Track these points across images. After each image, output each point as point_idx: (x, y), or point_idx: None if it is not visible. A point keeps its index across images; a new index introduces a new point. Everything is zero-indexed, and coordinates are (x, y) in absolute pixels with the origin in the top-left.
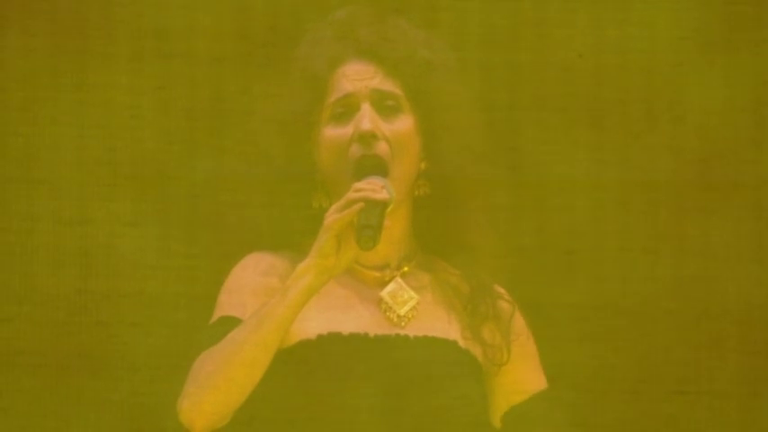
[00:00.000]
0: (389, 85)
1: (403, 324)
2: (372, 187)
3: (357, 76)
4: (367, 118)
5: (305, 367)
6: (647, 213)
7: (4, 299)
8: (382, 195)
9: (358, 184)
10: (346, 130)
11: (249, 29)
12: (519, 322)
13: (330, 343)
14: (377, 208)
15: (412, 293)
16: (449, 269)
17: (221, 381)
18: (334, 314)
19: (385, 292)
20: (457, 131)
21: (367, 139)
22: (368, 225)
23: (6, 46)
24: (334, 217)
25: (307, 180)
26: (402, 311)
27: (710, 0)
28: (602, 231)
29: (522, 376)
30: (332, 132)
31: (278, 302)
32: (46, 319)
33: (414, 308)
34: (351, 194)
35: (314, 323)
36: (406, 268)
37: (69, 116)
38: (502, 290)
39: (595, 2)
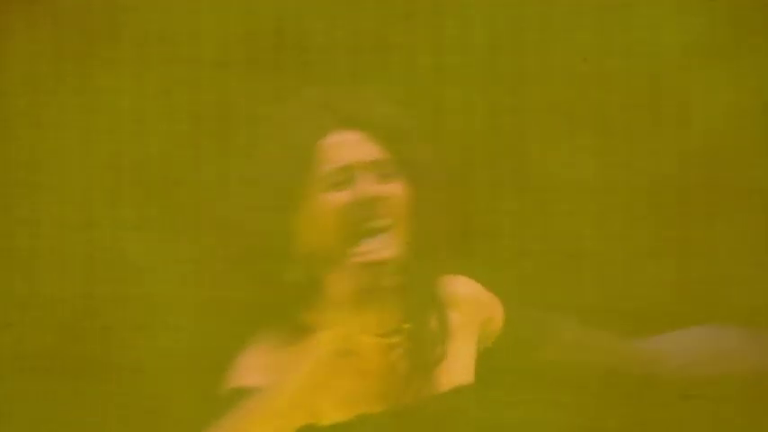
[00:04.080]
0: (378, 152)
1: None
2: (371, 249)
3: (347, 146)
4: (368, 183)
5: None
6: (653, 217)
7: (9, 303)
8: (383, 256)
9: (357, 250)
10: (344, 196)
11: (254, 33)
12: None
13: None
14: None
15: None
16: None
17: None
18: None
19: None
20: (431, 199)
21: (369, 204)
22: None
23: (11, 50)
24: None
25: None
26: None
27: (716, 4)
28: (608, 235)
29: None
30: (329, 198)
31: (287, 377)
32: (51, 323)
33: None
34: (351, 263)
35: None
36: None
37: (74, 121)
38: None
39: (600, 6)
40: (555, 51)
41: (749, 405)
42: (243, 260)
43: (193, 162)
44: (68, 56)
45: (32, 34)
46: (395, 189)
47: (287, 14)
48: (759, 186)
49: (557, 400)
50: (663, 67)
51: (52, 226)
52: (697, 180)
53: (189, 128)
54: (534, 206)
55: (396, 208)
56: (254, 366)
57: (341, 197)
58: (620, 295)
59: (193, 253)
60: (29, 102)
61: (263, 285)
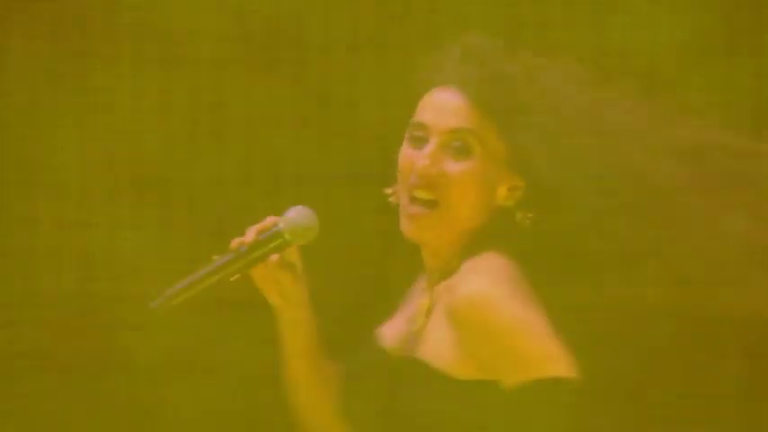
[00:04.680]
0: (463, 127)
1: (419, 337)
2: (246, 236)
3: (439, 107)
4: (428, 156)
5: None
6: (649, 215)
7: (5, 302)
8: (236, 246)
9: (252, 227)
10: (414, 155)
11: (250, 33)
12: (470, 322)
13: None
14: (220, 264)
15: (423, 310)
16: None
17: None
18: (392, 325)
19: (411, 308)
20: (554, 177)
21: (420, 176)
22: (174, 291)
23: (8, 49)
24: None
25: (312, 183)
26: (416, 326)
27: (711, 4)
28: (605, 233)
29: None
30: (405, 152)
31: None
32: (47, 322)
33: (422, 325)
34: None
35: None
36: (439, 285)
37: (71, 119)
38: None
39: (596, 5)
40: (551, 50)
41: (746, 403)
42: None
43: (189, 161)
44: (65, 55)
45: (30, 33)
46: (461, 167)
47: (284, 14)
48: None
49: (554, 399)
50: (658, 67)
51: (49, 225)
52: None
53: (186, 127)
54: (532, 205)
55: (452, 185)
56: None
57: (410, 153)
58: (618, 295)
59: (189, 252)
60: (26, 100)
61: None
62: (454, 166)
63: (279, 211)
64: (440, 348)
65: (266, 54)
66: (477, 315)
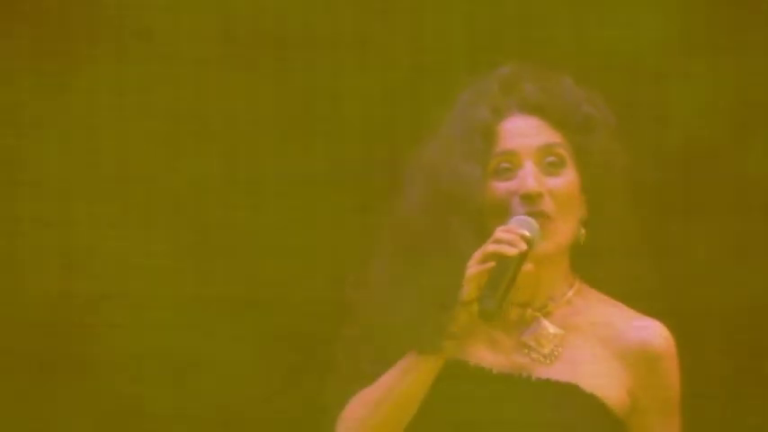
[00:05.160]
0: (552, 142)
1: (548, 362)
2: (510, 238)
3: (520, 131)
4: (531, 176)
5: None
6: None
7: None
8: (515, 250)
9: (499, 230)
10: (510, 186)
11: (233, 31)
12: (664, 366)
13: (454, 369)
14: (509, 267)
15: (555, 330)
16: (607, 307)
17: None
18: (469, 342)
19: (527, 333)
20: (612, 189)
21: (532, 197)
22: (490, 295)
23: None
24: (472, 270)
25: (294, 182)
26: (546, 350)
27: (693, 3)
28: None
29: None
30: (496, 186)
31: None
32: (28, 320)
33: (558, 346)
34: (489, 246)
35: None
36: (550, 308)
37: (52, 118)
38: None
39: (578, 4)
40: (532, 48)
41: (727, 402)
42: (221, 257)
43: (171, 159)
44: (47, 53)
45: (11, 31)
46: (561, 182)
47: (265, 13)
48: (735, 183)
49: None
50: (640, 65)
51: (30, 223)
52: (675, 177)
53: (168, 126)
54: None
55: (557, 199)
56: None
57: (504, 185)
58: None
59: (171, 250)
60: (7, 99)
61: (241, 283)
62: (555, 182)
63: (262, 211)
64: (601, 380)
65: (248, 53)
66: (672, 359)
